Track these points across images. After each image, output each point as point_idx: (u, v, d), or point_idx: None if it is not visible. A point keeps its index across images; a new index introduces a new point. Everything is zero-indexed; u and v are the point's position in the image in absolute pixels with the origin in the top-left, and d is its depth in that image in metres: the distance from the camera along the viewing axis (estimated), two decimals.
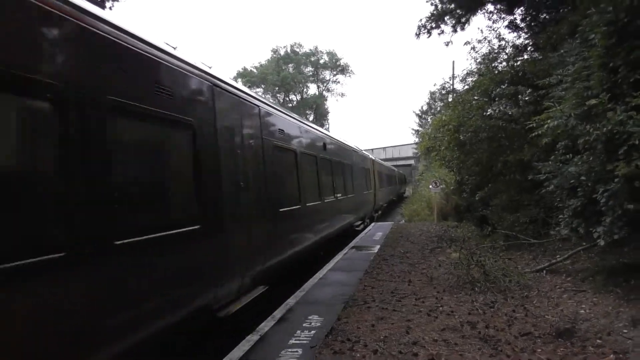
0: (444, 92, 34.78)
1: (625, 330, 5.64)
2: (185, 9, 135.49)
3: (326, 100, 76.99)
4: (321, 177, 12.48)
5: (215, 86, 6.16)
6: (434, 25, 19.81)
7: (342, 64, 76.10)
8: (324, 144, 13.34)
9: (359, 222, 19.48)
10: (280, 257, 8.19)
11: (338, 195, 14.50)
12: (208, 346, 6.05)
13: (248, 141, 7.16)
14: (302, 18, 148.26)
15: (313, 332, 6.14)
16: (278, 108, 9.77)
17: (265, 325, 6.49)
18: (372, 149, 57.97)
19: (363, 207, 20.75)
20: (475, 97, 14.84)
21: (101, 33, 4.00)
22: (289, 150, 9.72)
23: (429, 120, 48.79)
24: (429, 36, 20.07)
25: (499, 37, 16.36)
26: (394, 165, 51.83)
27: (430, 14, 19.65)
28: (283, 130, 9.28)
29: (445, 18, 19.52)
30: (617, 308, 6.42)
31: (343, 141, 18.24)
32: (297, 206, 9.68)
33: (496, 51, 15.19)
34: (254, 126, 7.63)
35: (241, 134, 6.94)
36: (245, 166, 6.94)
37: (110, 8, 15.61)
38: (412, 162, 65.16)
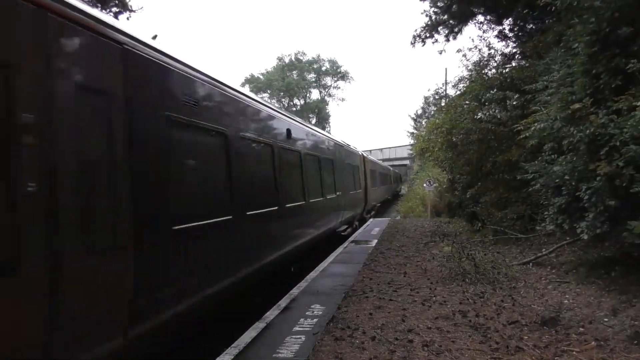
0: (437, 97, 34.68)
1: (606, 319, 5.62)
2: (197, 20, 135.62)
3: (327, 104, 76.89)
4: (282, 175, 8.63)
5: None
6: (428, 35, 19.82)
7: (342, 71, 76.03)
8: (288, 131, 9.49)
9: (345, 227, 16.47)
10: (173, 310, 4.62)
11: (312, 198, 11.02)
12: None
13: (81, 104, 3.55)
14: (305, 28, 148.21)
15: (315, 320, 6.13)
16: (191, 65, 5.55)
17: (271, 314, 6.47)
18: (370, 150, 57.89)
19: (350, 209, 17.01)
20: (467, 102, 14.82)
21: None
22: (211, 133, 5.89)
23: (423, 123, 48.64)
24: (423, 45, 20.13)
25: (489, 46, 16.39)
26: (390, 165, 51.67)
27: (424, 25, 19.67)
28: (196, 99, 5.42)
29: (439, 28, 19.55)
30: (599, 298, 6.39)
31: (321, 131, 14.85)
32: (226, 217, 5.91)
33: (486, 59, 15.16)
34: (108, 80, 3.93)
35: (54, 86, 3.32)
36: (64, 151, 3.37)
37: (127, 19, 15.54)
38: (407, 162, 64.90)
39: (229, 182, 6.21)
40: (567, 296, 6.82)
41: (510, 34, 17.17)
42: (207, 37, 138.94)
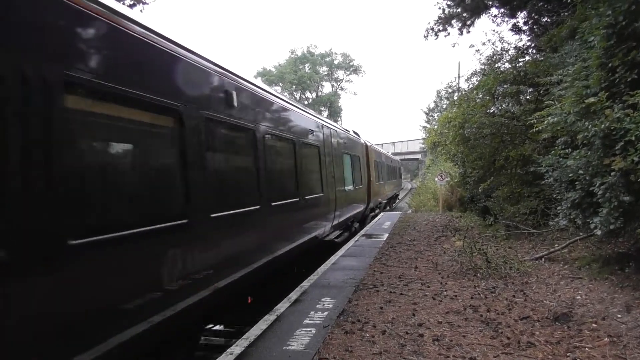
0: (450, 90, 34.48)
1: (619, 315, 5.56)
2: (211, 15, 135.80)
3: (340, 98, 76.67)
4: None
5: None
6: (441, 28, 19.72)
7: (355, 64, 75.73)
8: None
9: (339, 233, 12.75)
10: None
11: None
12: None
13: None
14: (318, 22, 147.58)
15: (326, 313, 6.14)
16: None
17: (282, 306, 6.50)
18: (381, 144, 57.66)
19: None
20: (480, 96, 14.70)
21: None
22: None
23: (436, 117, 48.33)
24: (436, 38, 20.01)
25: (502, 40, 16.22)
26: (402, 159, 51.38)
27: (437, 18, 19.56)
28: None
29: (452, 21, 19.41)
30: (612, 294, 6.32)
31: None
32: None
33: (499, 53, 15.01)
34: None
35: None
36: None
37: (141, 11, 15.59)
38: (419, 156, 64.61)
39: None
40: (579, 292, 6.75)
41: (525, 27, 17.00)
42: (219, 29, 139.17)
